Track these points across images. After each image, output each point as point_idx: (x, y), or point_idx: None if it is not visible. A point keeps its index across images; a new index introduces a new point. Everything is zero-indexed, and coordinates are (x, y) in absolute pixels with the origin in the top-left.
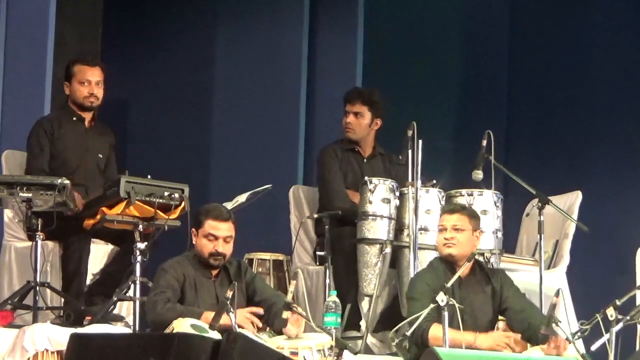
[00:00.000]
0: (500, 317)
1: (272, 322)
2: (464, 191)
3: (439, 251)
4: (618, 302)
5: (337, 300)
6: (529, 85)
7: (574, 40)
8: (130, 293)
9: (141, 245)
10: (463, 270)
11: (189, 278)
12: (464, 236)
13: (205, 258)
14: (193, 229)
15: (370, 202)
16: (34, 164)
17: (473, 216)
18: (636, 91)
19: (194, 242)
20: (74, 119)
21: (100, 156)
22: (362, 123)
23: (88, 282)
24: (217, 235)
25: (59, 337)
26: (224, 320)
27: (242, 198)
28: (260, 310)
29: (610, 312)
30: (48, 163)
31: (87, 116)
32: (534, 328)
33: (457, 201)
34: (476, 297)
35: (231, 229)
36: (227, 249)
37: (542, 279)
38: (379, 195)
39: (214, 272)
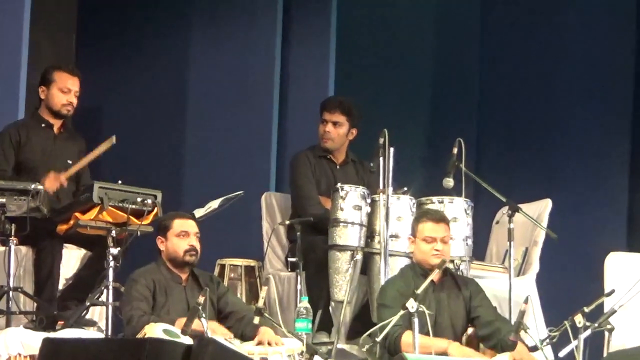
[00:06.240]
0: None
1: (244, 333)
2: (434, 198)
3: (425, 260)
4: (586, 309)
5: (309, 306)
6: (500, 94)
7: (546, 48)
8: (103, 298)
9: (114, 251)
10: (435, 276)
11: (159, 284)
12: (449, 246)
13: (181, 257)
14: (159, 237)
15: (342, 209)
16: None
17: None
18: (606, 101)
19: (162, 250)
20: (43, 125)
21: (70, 162)
22: (340, 132)
23: (61, 286)
24: (189, 231)
25: (32, 341)
26: (196, 325)
27: (214, 204)
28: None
29: (579, 319)
30: (13, 170)
31: (57, 123)
32: (502, 338)
33: (428, 208)
34: (450, 299)
35: (197, 227)
36: (198, 245)
37: (511, 286)
38: (350, 202)
39: (184, 277)
